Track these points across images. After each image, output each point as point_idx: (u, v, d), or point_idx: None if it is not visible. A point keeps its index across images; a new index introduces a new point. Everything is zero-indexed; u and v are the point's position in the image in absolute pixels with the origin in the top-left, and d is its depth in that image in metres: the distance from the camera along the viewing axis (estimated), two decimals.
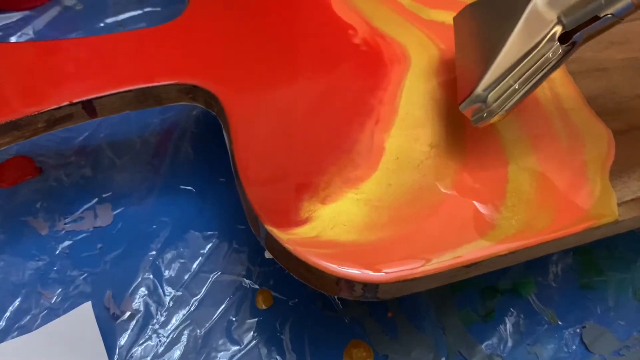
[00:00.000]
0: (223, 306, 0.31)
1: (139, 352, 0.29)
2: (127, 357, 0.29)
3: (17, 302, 0.30)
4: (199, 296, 0.31)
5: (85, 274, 0.31)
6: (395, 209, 0.25)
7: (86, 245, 0.32)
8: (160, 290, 0.31)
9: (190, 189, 0.35)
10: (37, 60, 0.30)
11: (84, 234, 0.33)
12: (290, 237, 0.24)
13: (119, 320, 0.30)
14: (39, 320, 0.30)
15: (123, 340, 0.30)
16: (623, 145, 0.28)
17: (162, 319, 0.30)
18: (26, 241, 0.32)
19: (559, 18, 0.24)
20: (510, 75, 0.25)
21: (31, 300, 0.31)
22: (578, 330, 0.31)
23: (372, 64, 0.31)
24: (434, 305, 0.31)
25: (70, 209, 0.34)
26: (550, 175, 0.27)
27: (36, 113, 0.28)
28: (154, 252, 0.32)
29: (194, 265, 0.32)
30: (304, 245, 0.24)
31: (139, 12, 0.43)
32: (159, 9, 0.43)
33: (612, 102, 0.31)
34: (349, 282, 0.24)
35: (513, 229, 0.25)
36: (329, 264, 0.24)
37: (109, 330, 0.30)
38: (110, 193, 0.34)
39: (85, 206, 0.34)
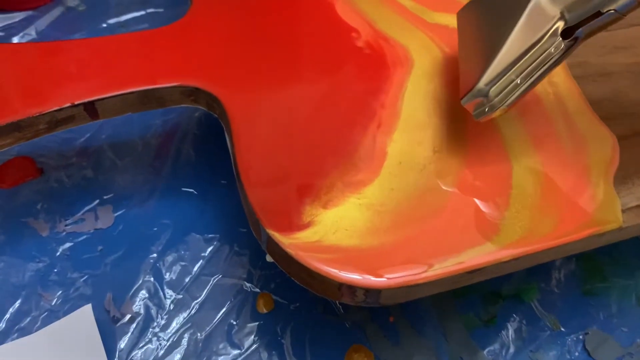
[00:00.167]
0: (224, 310, 0.31)
1: (139, 355, 0.29)
2: None
3: (17, 304, 0.30)
4: (199, 299, 0.31)
5: (86, 276, 0.31)
6: (397, 214, 0.25)
7: (87, 247, 0.32)
8: (161, 293, 0.31)
9: (192, 191, 0.35)
10: (39, 62, 0.30)
11: (85, 236, 0.33)
12: (292, 242, 0.24)
13: (119, 323, 0.30)
14: (39, 323, 0.30)
15: (123, 344, 0.29)
16: (628, 151, 0.28)
17: (163, 322, 0.30)
18: (27, 242, 0.32)
19: (561, 13, 0.24)
20: (512, 70, 0.25)
21: (31, 302, 0.30)
22: (581, 337, 0.31)
23: (375, 67, 0.31)
24: (436, 310, 0.31)
25: (71, 211, 0.33)
26: (554, 180, 0.27)
27: (38, 114, 0.28)
28: (154, 255, 0.32)
29: (195, 268, 0.32)
30: (305, 249, 0.24)
31: (142, 13, 0.42)
32: (161, 10, 0.43)
33: (616, 107, 0.31)
34: (351, 288, 0.24)
35: (517, 235, 0.25)
36: (331, 269, 0.24)
37: (109, 333, 0.30)
38: (111, 195, 0.34)
39: (86, 208, 0.34)
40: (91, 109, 0.29)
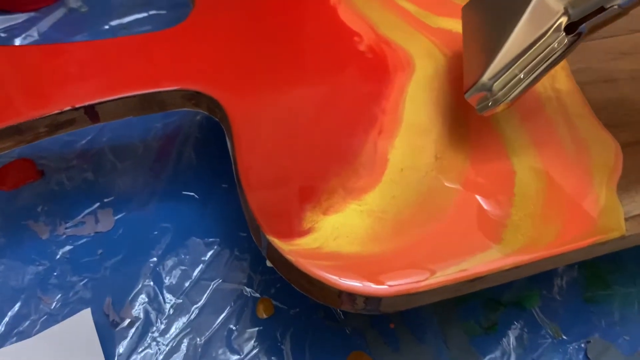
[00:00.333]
0: (223, 314, 0.31)
1: None
2: None
3: (16, 307, 0.30)
4: (199, 304, 0.31)
5: (85, 280, 0.31)
6: (399, 221, 0.25)
7: (87, 251, 0.32)
8: (161, 298, 0.31)
9: (193, 195, 0.34)
10: (40, 64, 0.30)
11: (85, 239, 0.32)
12: (292, 248, 0.24)
13: (118, 328, 0.30)
14: (38, 326, 0.30)
15: (122, 348, 0.29)
16: (631, 158, 0.28)
17: (162, 326, 0.30)
18: (26, 245, 0.32)
19: (565, 9, 0.24)
20: (515, 65, 0.25)
21: (30, 306, 0.30)
22: (582, 345, 0.31)
23: (376, 72, 0.30)
24: (437, 317, 0.31)
25: (72, 213, 0.33)
26: (557, 188, 0.27)
27: (39, 117, 0.28)
28: (154, 259, 0.32)
29: (195, 273, 0.32)
30: (305, 256, 0.24)
31: (144, 14, 0.42)
32: (164, 12, 0.43)
33: (620, 114, 0.31)
34: (351, 295, 0.23)
35: (519, 243, 0.25)
36: (331, 276, 0.23)
37: (108, 338, 0.29)
38: (112, 198, 0.34)
39: (87, 211, 0.33)
40: (92, 113, 0.29)
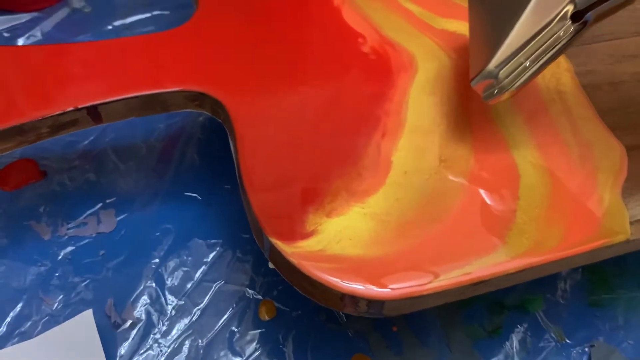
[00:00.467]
0: (225, 316, 0.31)
1: None
2: None
3: (18, 308, 0.30)
4: (201, 305, 0.31)
5: (87, 281, 0.31)
6: (402, 223, 0.25)
7: (89, 252, 0.32)
8: (163, 299, 0.31)
9: (195, 196, 0.34)
10: (42, 64, 0.30)
11: (87, 240, 0.32)
12: (294, 251, 0.24)
13: (120, 329, 0.30)
14: (39, 327, 0.30)
15: (124, 350, 0.29)
16: (636, 161, 0.28)
17: (164, 328, 0.30)
18: (28, 246, 0.32)
19: None
20: (521, 53, 0.25)
21: (32, 307, 0.30)
22: (586, 349, 0.31)
23: (380, 73, 0.30)
24: (440, 320, 0.31)
25: (74, 214, 0.33)
26: (561, 191, 0.26)
27: (41, 118, 0.28)
28: (157, 260, 0.32)
29: (197, 274, 0.32)
30: (308, 259, 0.24)
31: (147, 15, 0.42)
32: (167, 12, 0.43)
33: (625, 117, 0.30)
34: (354, 298, 0.23)
35: (524, 246, 0.24)
36: (333, 279, 0.23)
37: (109, 339, 0.29)
38: (114, 198, 0.34)
39: (89, 211, 0.33)
40: (94, 113, 0.29)
